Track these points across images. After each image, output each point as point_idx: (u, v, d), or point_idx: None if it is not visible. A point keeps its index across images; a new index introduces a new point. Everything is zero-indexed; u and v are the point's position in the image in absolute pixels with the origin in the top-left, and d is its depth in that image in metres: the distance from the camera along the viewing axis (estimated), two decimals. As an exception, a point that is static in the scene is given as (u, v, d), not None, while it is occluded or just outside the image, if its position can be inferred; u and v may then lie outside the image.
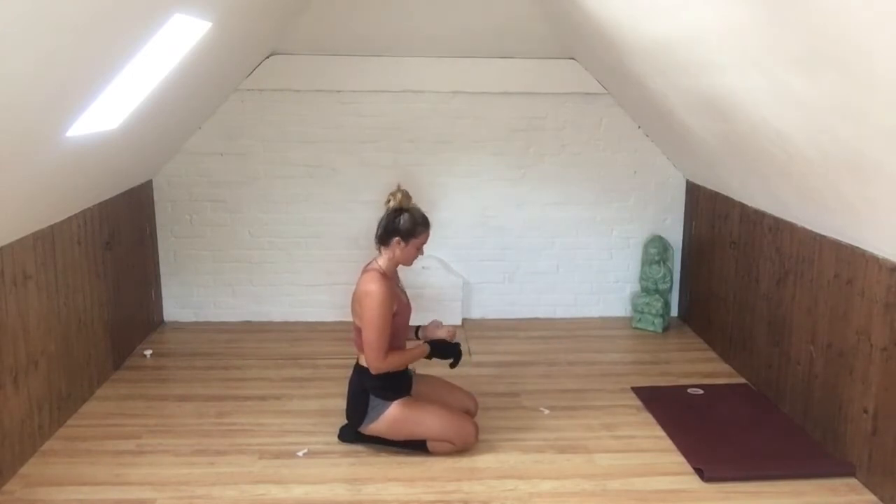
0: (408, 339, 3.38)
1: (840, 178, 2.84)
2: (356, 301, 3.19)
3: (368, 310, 3.10)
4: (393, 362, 3.17)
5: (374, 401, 3.21)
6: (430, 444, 3.26)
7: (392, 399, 3.22)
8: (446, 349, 3.35)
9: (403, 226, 3.22)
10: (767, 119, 2.97)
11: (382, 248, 3.27)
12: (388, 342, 3.14)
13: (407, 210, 3.27)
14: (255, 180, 4.90)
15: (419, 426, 3.23)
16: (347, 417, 3.32)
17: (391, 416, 3.20)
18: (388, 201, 3.29)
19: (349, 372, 3.35)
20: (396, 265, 3.30)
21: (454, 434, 3.25)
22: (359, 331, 3.20)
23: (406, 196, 3.30)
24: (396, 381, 3.26)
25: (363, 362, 3.23)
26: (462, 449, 3.28)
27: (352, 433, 3.33)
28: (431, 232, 4.93)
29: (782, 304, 3.76)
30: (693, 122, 3.85)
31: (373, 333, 3.10)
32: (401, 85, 4.79)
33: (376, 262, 3.27)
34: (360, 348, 3.22)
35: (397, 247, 3.23)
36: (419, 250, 3.30)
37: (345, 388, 3.35)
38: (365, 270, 3.25)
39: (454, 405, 3.37)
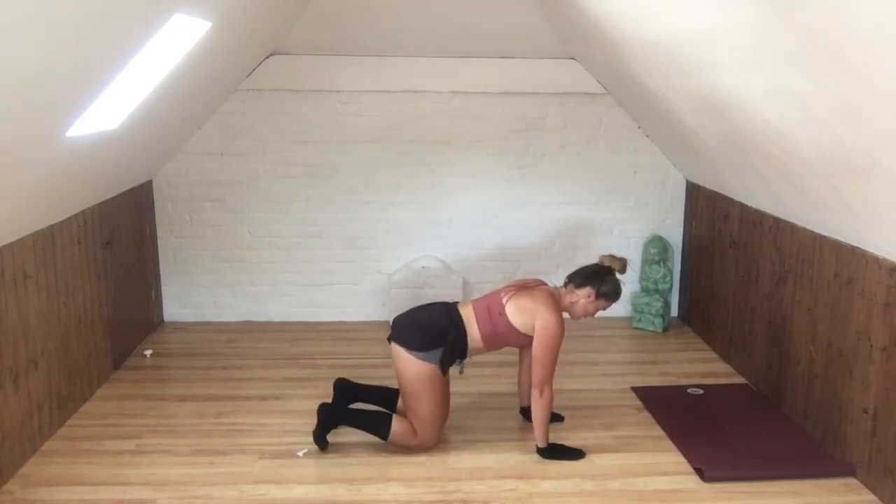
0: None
1: (840, 178, 2.84)
2: (532, 313, 3.22)
3: (551, 337, 3.18)
4: (548, 398, 3.23)
5: (435, 352, 3.21)
6: (394, 427, 3.26)
7: (441, 364, 3.23)
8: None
9: (607, 286, 3.33)
10: (767, 119, 2.97)
11: (573, 288, 3.34)
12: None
13: (616, 273, 3.38)
14: (255, 180, 4.90)
15: (422, 398, 3.23)
16: (405, 336, 3.25)
17: (426, 372, 3.20)
18: (605, 261, 3.42)
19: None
20: (566, 309, 3.36)
21: (429, 431, 3.27)
22: (498, 306, 3.24)
23: (623, 266, 3.41)
24: (458, 354, 3.27)
25: (471, 328, 3.24)
26: (414, 447, 3.28)
27: (324, 434, 3.32)
28: (432, 232, 5.00)
29: (782, 304, 3.76)
30: (693, 122, 3.85)
31: (550, 358, 3.19)
32: (401, 85, 4.79)
33: (564, 296, 3.35)
34: (500, 332, 3.26)
35: (585, 297, 3.32)
36: (592, 314, 3.39)
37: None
38: (552, 294, 3.31)
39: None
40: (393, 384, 3.59)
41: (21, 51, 2.08)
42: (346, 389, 3.48)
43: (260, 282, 5.03)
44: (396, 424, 3.29)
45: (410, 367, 3.22)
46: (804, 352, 3.55)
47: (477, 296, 3.51)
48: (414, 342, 3.22)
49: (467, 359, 3.34)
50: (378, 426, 3.31)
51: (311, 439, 3.35)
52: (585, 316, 3.38)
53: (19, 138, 2.56)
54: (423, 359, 3.21)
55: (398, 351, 3.25)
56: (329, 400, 3.45)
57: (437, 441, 3.34)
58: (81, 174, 3.47)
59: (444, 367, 3.27)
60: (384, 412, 3.39)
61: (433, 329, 3.25)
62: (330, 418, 3.33)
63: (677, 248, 5.13)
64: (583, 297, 3.32)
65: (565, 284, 3.39)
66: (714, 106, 3.35)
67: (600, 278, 3.33)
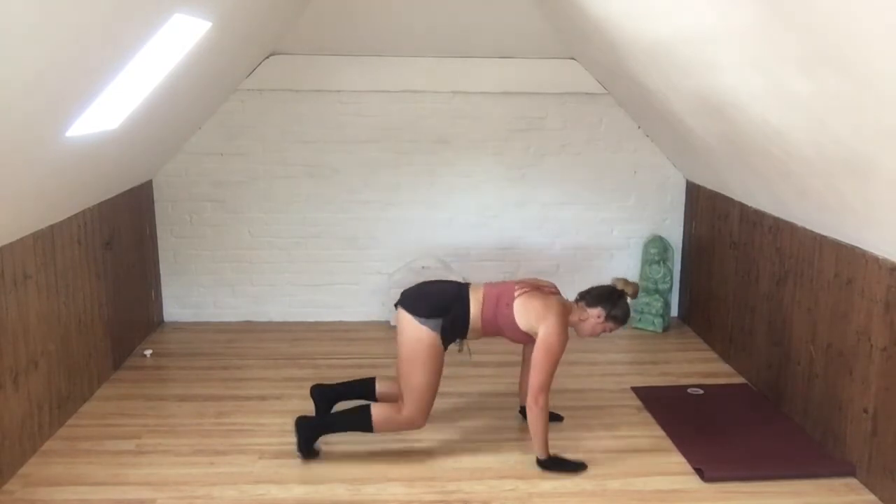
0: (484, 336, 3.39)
1: (840, 178, 2.84)
2: (540, 315, 3.22)
3: (553, 343, 3.18)
4: (544, 404, 3.20)
5: (436, 321, 3.21)
6: (375, 415, 3.24)
7: (443, 336, 3.23)
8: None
9: (618, 310, 3.33)
10: (767, 119, 2.97)
11: (584, 306, 3.34)
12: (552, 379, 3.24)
13: (627, 298, 3.37)
14: (255, 180, 4.90)
15: (417, 364, 3.21)
16: (411, 301, 3.26)
17: (426, 338, 3.20)
18: (618, 284, 3.41)
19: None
20: (573, 325, 3.36)
21: (417, 405, 3.23)
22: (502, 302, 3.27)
23: (635, 291, 3.41)
24: (459, 331, 3.28)
25: (475, 310, 3.25)
26: (401, 423, 3.26)
27: (308, 446, 3.30)
28: (432, 233, 5.00)
29: (782, 304, 3.76)
30: (693, 122, 3.85)
31: (550, 364, 3.18)
32: (401, 85, 4.79)
33: (574, 312, 3.35)
34: (499, 323, 3.28)
35: (595, 317, 3.32)
36: (597, 334, 3.39)
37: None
38: (565, 305, 3.32)
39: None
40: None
41: (21, 51, 2.08)
42: (323, 395, 3.48)
43: (260, 282, 5.03)
44: (377, 411, 3.27)
45: (412, 332, 3.22)
46: (804, 352, 3.55)
47: (492, 281, 3.51)
48: (418, 308, 3.23)
49: (467, 339, 3.34)
50: (359, 422, 3.28)
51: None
52: (592, 335, 3.39)
53: (19, 138, 2.56)
54: (425, 324, 3.21)
55: (402, 315, 3.25)
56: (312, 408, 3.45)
57: (424, 420, 3.28)
58: (81, 174, 3.47)
59: (446, 340, 3.26)
60: (360, 405, 3.34)
61: (439, 300, 3.26)
62: (309, 434, 3.30)
63: (677, 248, 5.14)
64: (593, 316, 3.32)
65: (577, 301, 3.39)
66: (714, 106, 3.35)
67: (612, 301, 3.33)
